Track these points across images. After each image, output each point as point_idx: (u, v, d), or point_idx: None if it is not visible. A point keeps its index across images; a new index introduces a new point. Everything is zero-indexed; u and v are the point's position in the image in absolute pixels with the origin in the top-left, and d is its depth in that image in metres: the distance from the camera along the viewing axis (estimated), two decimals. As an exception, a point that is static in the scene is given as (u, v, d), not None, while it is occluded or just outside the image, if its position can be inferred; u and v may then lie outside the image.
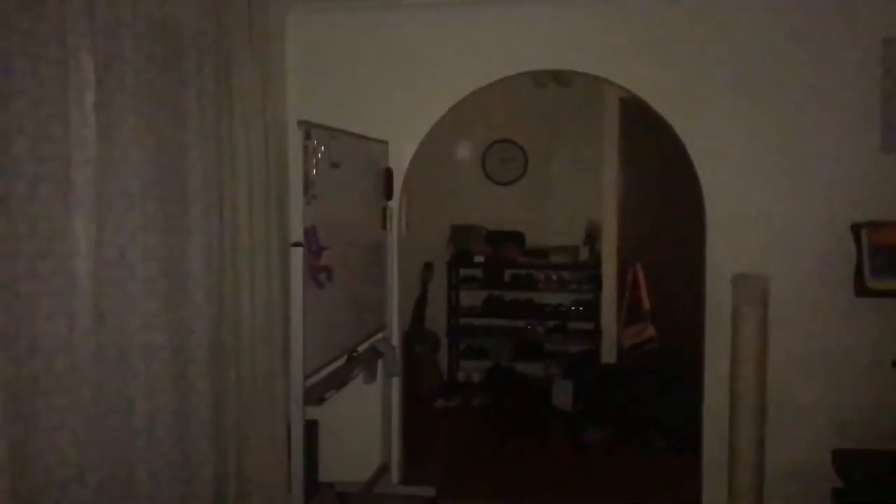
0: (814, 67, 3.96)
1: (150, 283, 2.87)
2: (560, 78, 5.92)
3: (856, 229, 3.80)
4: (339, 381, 3.59)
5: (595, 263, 6.14)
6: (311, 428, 4.27)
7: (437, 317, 6.46)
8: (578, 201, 6.32)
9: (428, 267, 6.44)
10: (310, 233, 3.16)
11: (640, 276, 5.18)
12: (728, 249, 4.06)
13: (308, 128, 3.19)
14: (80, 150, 2.55)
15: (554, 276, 6.41)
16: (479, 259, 6.42)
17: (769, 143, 4.02)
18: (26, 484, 2.37)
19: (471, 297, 6.61)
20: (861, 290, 3.75)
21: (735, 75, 4.02)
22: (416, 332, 6.28)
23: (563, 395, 5.79)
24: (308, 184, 3.15)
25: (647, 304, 5.10)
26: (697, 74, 4.06)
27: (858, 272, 3.77)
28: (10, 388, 2.28)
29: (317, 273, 3.24)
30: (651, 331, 5.10)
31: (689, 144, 4.10)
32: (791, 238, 4.00)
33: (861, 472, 3.33)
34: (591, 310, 6.21)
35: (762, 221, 4.02)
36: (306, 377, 3.20)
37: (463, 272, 6.55)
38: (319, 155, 3.24)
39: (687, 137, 4.10)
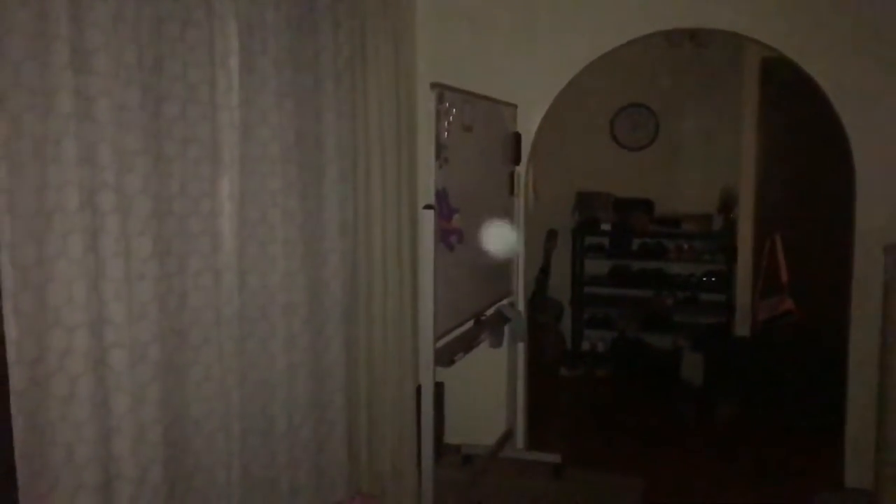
0: None
1: (290, 244, 2.96)
2: (697, 37, 5.66)
3: None
4: (467, 343, 3.61)
5: (729, 233, 5.88)
6: (438, 390, 4.33)
7: (561, 285, 6.38)
8: (713, 168, 6.05)
9: (552, 235, 6.35)
10: (441, 195, 3.17)
11: (779, 246, 4.94)
12: (880, 218, 3.79)
13: (441, 91, 3.18)
14: (226, 113, 2.64)
15: (685, 246, 6.19)
16: (605, 227, 6.28)
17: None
18: (176, 432, 2.52)
19: (596, 266, 6.48)
20: None
21: (893, 35, 3.72)
22: (539, 300, 6.23)
23: (692, 368, 5.62)
24: (440, 147, 3.15)
25: (785, 277, 4.87)
26: (851, 31, 3.78)
27: None
28: (163, 340, 2.41)
29: (447, 235, 3.25)
30: (789, 303, 4.87)
31: (839, 107, 3.83)
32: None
33: None
34: (724, 281, 5.97)
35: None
36: (437, 339, 3.22)
37: (588, 240, 6.42)
38: (451, 118, 3.23)
39: (838, 99, 3.83)
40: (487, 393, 4.38)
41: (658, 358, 6.02)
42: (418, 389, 3.34)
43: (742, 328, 5.64)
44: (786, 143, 5.54)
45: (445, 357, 3.33)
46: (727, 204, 5.95)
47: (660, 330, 6.18)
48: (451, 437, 4.36)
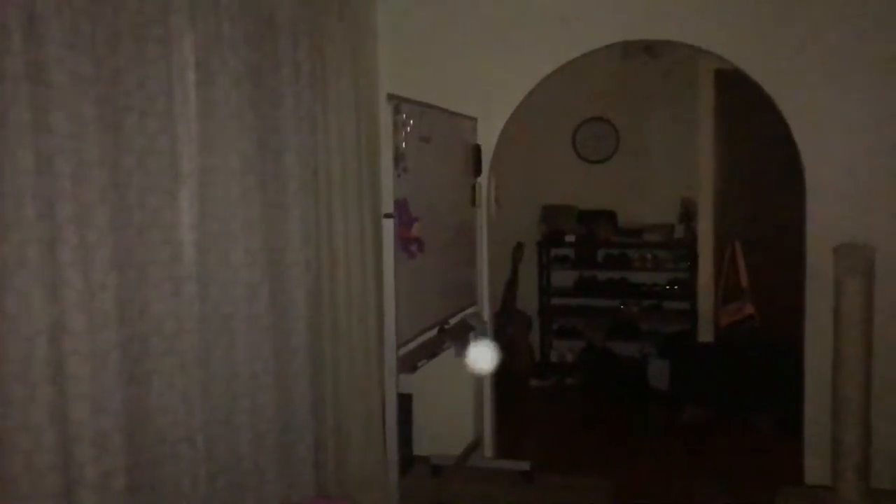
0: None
1: (251, 254, 3.00)
2: (651, 49, 5.80)
3: (970, 195, 3.61)
4: (430, 351, 3.65)
5: (690, 241, 6.00)
6: (406, 402, 4.36)
7: (528, 297, 6.46)
8: (672, 178, 6.18)
9: (519, 247, 6.43)
10: (400, 204, 3.23)
11: (738, 253, 5.06)
12: (830, 220, 3.91)
13: (398, 102, 3.25)
14: (184, 125, 2.69)
15: (648, 255, 6.30)
16: (570, 239, 6.38)
17: (872, 111, 3.85)
18: (140, 442, 2.53)
19: (562, 277, 6.58)
20: (977, 259, 3.56)
21: (835, 39, 3.86)
22: (507, 312, 6.30)
23: (659, 374, 5.70)
24: (398, 157, 3.21)
25: (745, 282, 4.98)
26: (798, 42, 3.92)
27: (974, 240, 3.57)
28: (124, 349, 2.43)
29: (408, 244, 3.31)
30: (750, 308, 4.98)
31: (788, 114, 3.96)
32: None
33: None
34: (687, 288, 6.08)
35: (865, 191, 3.86)
36: (399, 346, 3.27)
37: (554, 252, 6.52)
38: (409, 129, 3.30)
39: (786, 107, 3.96)
40: (456, 402, 4.42)
41: (625, 366, 6.11)
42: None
43: (705, 334, 5.74)
44: (742, 151, 5.68)
45: (408, 364, 3.37)
46: (688, 213, 6.07)
47: (626, 338, 6.28)
48: (420, 449, 4.39)
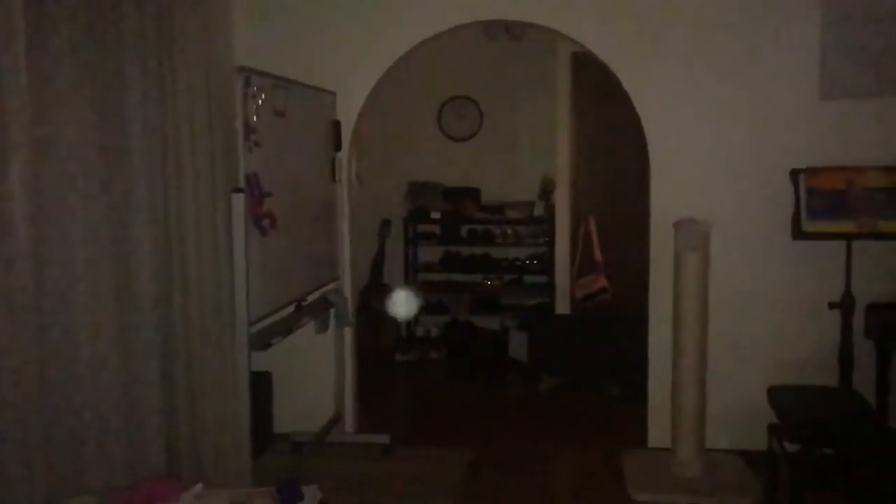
0: (755, 17, 4.04)
1: (91, 230, 2.87)
2: (512, 30, 5.93)
3: (794, 175, 3.90)
4: (286, 328, 3.62)
5: (549, 218, 6.21)
6: (265, 379, 4.33)
7: (395, 273, 6.51)
8: (533, 157, 6.37)
9: (385, 224, 6.47)
10: (251, 179, 3.18)
11: (592, 228, 5.28)
12: (670, 197, 4.15)
13: (248, 75, 3.18)
14: (13, 95, 2.53)
15: (510, 231, 6.50)
16: (436, 215, 6.47)
17: (710, 93, 4.11)
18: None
19: (428, 253, 6.67)
20: (798, 234, 3.87)
21: (679, 27, 4.08)
22: (374, 287, 6.33)
23: (518, 346, 5.89)
24: (249, 130, 3.15)
25: (598, 256, 5.20)
26: (643, 27, 4.13)
27: (796, 216, 3.88)
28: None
29: (260, 219, 3.26)
30: (603, 282, 5.21)
31: (633, 95, 4.17)
32: (732, 184, 4.11)
33: (794, 406, 3.45)
34: (546, 263, 6.30)
35: (703, 169, 4.12)
36: (252, 323, 3.23)
37: (420, 228, 6.60)
38: (261, 102, 3.24)
39: (632, 88, 4.17)
40: (316, 379, 4.42)
41: (487, 339, 6.29)
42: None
43: (562, 307, 5.97)
44: (597, 132, 5.91)
45: (261, 341, 3.34)
46: (547, 190, 6.28)
47: (489, 312, 6.46)
48: (281, 427, 4.37)
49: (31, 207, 2.58)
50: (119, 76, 3.03)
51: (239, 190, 3.09)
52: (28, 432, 2.59)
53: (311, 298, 3.97)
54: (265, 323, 3.46)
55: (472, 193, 6.49)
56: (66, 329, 2.80)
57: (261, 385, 4.18)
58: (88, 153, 2.84)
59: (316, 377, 4.40)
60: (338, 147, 4.22)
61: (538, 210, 6.37)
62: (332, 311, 4.18)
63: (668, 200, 4.15)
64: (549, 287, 6.20)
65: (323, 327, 4.15)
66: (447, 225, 6.55)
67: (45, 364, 2.68)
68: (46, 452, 2.68)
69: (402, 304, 5.93)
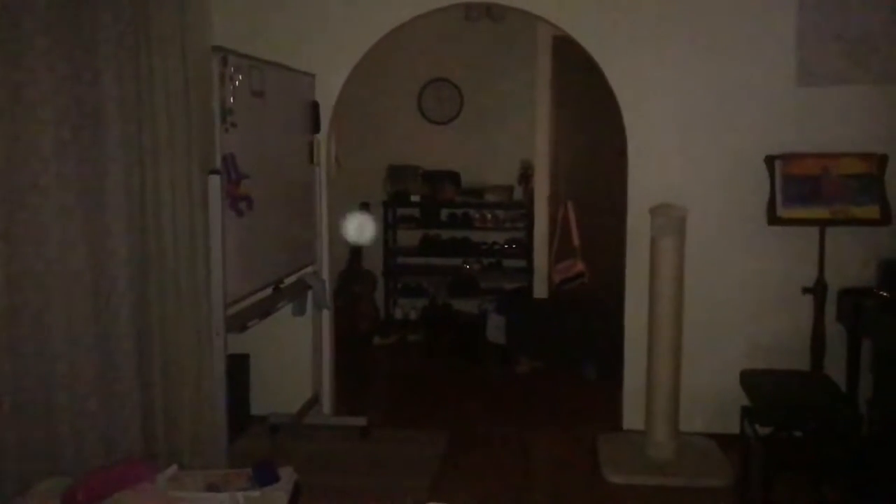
0: (733, 3, 4.06)
1: (66, 211, 2.85)
2: (492, 12, 5.90)
3: (770, 161, 3.94)
4: (263, 310, 3.61)
5: (528, 202, 6.23)
6: (242, 361, 4.32)
7: (374, 256, 6.50)
8: (513, 141, 6.37)
9: (364, 207, 6.45)
10: (227, 160, 3.15)
11: (571, 213, 5.29)
12: (647, 183, 4.17)
13: (225, 55, 3.15)
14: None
15: (489, 215, 6.50)
16: (415, 199, 6.46)
17: (688, 79, 4.13)
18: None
19: (408, 237, 6.67)
20: (773, 220, 3.91)
21: (657, 12, 4.09)
22: (353, 271, 6.33)
23: (496, 329, 5.91)
24: (225, 111, 3.13)
25: (576, 241, 5.21)
26: (621, 11, 4.13)
27: (771, 202, 3.92)
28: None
29: (236, 201, 3.24)
30: (580, 266, 5.22)
31: (611, 80, 4.18)
32: (708, 170, 4.13)
33: (766, 390, 3.49)
34: (524, 247, 6.33)
35: (680, 155, 4.15)
36: (228, 305, 3.22)
37: (400, 211, 6.59)
38: (237, 83, 3.22)
39: (611, 74, 4.17)
40: (294, 361, 4.41)
41: (465, 322, 6.31)
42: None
43: (540, 290, 6.00)
44: (577, 116, 5.92)
45: (238, 323, 3.33)
46: (526, 175, 6.29)
47: (468, 295, 6.48)
48: (259, 409, 4.37)
49: (5, 189, 2.56)
50: (92, 54, 2.99)
51: (215, 171, 3.06)
52: None
53: (288, 281, 3.96)
54: (242, 305, 3.45)
55: (452, 177, 6.49)
56: (39, 310, 2.78)
57: (238, 367, 4.17)
58: (62, 133, 2.81)
59: (294, 360, 4.40)
60: (316, 129, 4.19)
61: (517, 194, 6.39)
62: (310, 293, 4.18)
63: (645, 185, 4.17)
64: (528, 271, 6.22)
65: (300, 310, 4.14)
66: (426, 208, 6.55)
67: (16, 345, 2.67)
68: (19, 433, 2.67)
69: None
